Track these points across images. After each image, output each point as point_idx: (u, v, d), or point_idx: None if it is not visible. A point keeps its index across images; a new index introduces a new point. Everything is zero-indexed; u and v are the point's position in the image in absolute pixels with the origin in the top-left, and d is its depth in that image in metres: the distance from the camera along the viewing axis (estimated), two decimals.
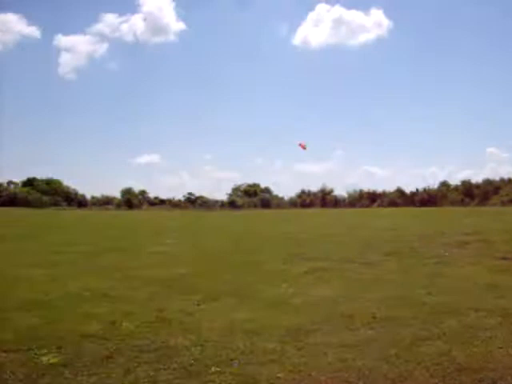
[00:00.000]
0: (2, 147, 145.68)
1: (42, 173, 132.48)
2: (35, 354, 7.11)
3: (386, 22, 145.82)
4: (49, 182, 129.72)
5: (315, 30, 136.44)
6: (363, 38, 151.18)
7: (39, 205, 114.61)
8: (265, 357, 6.99)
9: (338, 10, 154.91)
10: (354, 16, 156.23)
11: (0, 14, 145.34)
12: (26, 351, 7.22)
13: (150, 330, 8.30)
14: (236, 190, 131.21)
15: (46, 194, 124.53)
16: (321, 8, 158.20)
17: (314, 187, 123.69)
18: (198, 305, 10.21)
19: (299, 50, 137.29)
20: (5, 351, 7.22)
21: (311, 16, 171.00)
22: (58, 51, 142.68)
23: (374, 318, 9.00)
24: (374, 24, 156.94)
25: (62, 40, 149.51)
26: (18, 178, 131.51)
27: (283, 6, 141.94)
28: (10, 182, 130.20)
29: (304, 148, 31.93)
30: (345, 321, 8.85)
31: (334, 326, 8.54)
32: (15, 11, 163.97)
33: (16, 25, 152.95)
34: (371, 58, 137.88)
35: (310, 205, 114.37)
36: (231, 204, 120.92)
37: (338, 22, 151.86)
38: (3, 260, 17.15)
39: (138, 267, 15.63)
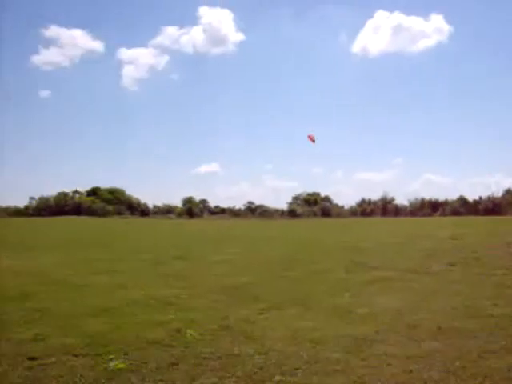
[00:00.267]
0: (68, 158, 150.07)
1: (105, 182, 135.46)
2: (103, 358, 7.29)
3: (446, 28, 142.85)
4: (112, 192, 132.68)
5: (374, 38, 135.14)
6: (423, 44, 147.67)
7: (103, 214, 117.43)
8: (329, 367, 6.94)
9: (398, 17, 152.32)
10: (414, 22, 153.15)
11: (67, 29, 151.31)
12: (94, 356, 7.42)
13: (213, 338, 8.38)
14: (296, 198, 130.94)
15: (110, 203, 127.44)
16: (380, 15, 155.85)
17: (375, 196, 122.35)
18: (262, 313, 10.24)
19: (358, 58, 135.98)
20: (75, 355, 7.44)
21: (370, 23, 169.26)
22: (121, 64, 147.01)
23: (439, 329, 8.83)
24: (434, 30, 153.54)
25: (124, 53, 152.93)
26: (83, 187, 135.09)
27: (342, 14, 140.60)
28: (75, 192, 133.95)
29: (313, 141, 32.04)
30: (409, 331, 8.71)
31: (399, 336, 8.41)
32: (81, 27, 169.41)
33: (81, 40, 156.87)
34: (432, 64, 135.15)
35: (371, 214, 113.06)
36: (291, 213, 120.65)
37: (398, 29, 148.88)
38: (72, 268, 17.62)
39: (200, 275, 15.83)
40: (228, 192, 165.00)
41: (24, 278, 15.13)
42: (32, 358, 7.29)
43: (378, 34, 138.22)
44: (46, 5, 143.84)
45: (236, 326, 9.20)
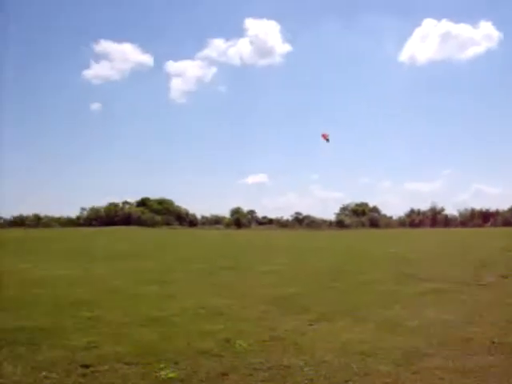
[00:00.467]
0: (118, 169, 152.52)
1: (155, 193, 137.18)
2: (154, 367, 7.37)
3: (496, 34, 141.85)
4: (161, 202, 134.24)
5: (422, 46, 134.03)
6: (472, 51, 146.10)
7: (152, 224, 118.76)
8: (379, 379, 6.87)
9: (446, 25, 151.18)
10: (462, 29, 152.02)
11: (117, 44, 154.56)
12: (145, 365, 7.52)
13: (263, 349, 8.38)
14: (344, 209, 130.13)
15: (159, 214, 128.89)
16: (428, 23, 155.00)
17: (424, 206, 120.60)
18: (311, 324, 10.20)
19: (406, 67, 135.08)
20: (127, 364, 7.56)
21: (418, 32, 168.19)
22: (169, 77, 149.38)
23: (493, 343, 8.63)
24: (483, 36, 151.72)
25: (172, 66, 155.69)
26: (133, 198, 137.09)
27: (388, 23, 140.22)
28: (125, 202, 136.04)
29: (327, 140, 32.15)
30: (462, 345, 8.54)
31: (451, 350, 8.25)
32: (130, 41, 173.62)
33: (131, 54, 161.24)
34: (481, 71, 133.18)
35: (420, 224, 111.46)
36: (339, 223, 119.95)
37: (446, 37, 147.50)
38: (123, 278, 17.94)
39: (249, 286, 15.89)
40: (275, 202, 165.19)
41: (77, 287, 15.46)
42: (85, 366, 7.44)
43: (425, 43, 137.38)
44: (97, 20, 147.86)
45: (286, 336, 9.19)
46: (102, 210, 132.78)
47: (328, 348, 8.38)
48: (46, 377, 7.00)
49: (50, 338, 8.94)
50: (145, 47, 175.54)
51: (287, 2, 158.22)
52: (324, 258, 26.94)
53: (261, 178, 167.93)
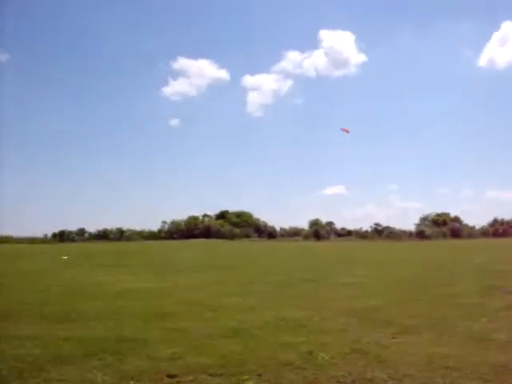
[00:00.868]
0: (197, 183, 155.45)
1: (233, 206, 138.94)
2: (238, 379, 7.45)
3: None
4: (240, 215, 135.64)
5: (501, 50, 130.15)
6: None
7: (231, 236, 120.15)
8: None
9: None
10: None
11: (194, 60, 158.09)
12: (229, 376, 7.60)
13: (345, 362, 8.30)
14: (424, 219, 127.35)
15: (237, 226, 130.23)
16: (506, 26, 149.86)
17: (508, 215, 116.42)
18: (394, 337, 10.04)
19: (485, 72, 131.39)
20: (210, 375, 7.66)
21: (496, 36, 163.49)
22: (245, 91, 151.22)
23: None
24: None
25: (249, 80, 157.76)
26: (212, 211, 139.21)
27: (465, 28, 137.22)
28: (204, 215, 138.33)
29: (347, 131, 33.05)
30: None
31: None
32: (207, 57, 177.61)
33: (208, 69, 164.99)
34: None
35: (504, 234, 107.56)
36: (419, 234, 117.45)
37: None
38: (205, 290, 18.26)
39: (330, 298, 15.80)
40: (354, 214, 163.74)
41: (161, 299, 15.86)
42: (171, 376, 7.59)
43: (504, 47, 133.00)
44: (174, 38, 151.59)
45: (368, 349, 9.07)
46: (183, 223, 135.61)
47: (412, 362, 8.21)
48: None
49: (136, 348, 9.20)
50: (221, 63, 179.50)
51: (362, 12, 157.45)
52: (405, 270, 26.47)
53: (339, 189, 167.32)
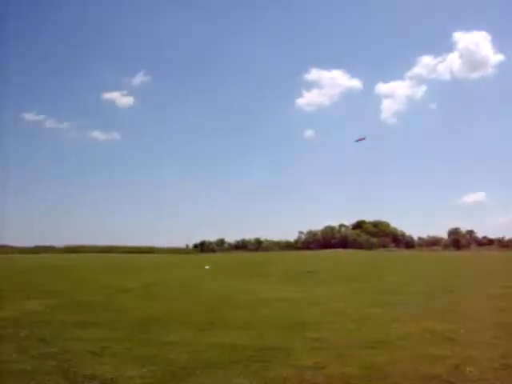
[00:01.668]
0: (335, 192, 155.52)
1: (370, 215, 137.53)
2: None
3: None
4: (377, 224, 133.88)
5: None
6: None
7: (368, 246, 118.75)
8: None
9: None
10: None
11: (327, 71, 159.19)
12: None
13: (496, 377, 7.98)
14: None
15: (375, 236, 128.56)
16: None
17: None
18: None
19: None
20: None
21: None
22: (378, 98, 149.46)
23: None
24: None
25: (381, 87, 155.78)
26: (348, 220, 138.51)
27: None
28: (341, 225, 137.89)
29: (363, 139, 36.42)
30: None
31: None
32: (338, 67, 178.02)
33: (340, 79, 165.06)
34: None
35: None
36: None
37: None
38: (346, 300, 18.26)
39: (474, 310, 15.26)
40: (496, 222, 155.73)
41: (302, 308, 16.12)
42: None
43: None
44: (307, 50, 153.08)
45: None
46: (319, 234, 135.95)
47: None
48: None
49: (280, 357, 9.44)
50: (353, 72, 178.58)
51: (496, 11, 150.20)
52: None
53: (479, 196, 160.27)
